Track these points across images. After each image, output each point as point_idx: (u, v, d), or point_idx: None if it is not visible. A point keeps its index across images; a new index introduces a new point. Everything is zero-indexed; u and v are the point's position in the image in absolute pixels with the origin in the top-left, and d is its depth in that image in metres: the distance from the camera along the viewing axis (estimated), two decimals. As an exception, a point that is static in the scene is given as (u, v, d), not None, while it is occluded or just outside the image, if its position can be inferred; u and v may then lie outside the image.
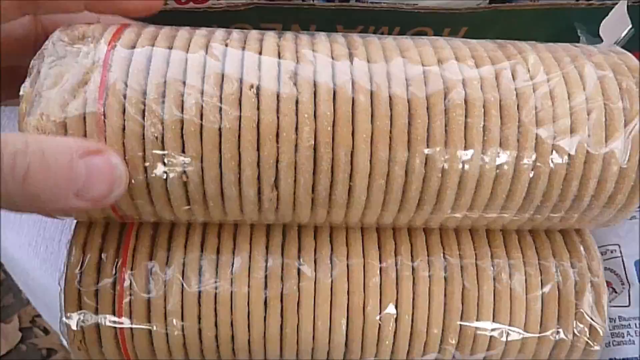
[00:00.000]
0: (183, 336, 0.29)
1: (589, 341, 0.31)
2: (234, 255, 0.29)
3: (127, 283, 0.29)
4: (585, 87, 0.27)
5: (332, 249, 0.30)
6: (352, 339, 0.30)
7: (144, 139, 0.24)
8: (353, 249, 0.30)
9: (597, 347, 0.31)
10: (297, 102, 0.25)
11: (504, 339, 0.30)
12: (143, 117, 0.24)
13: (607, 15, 0.36)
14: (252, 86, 0.25)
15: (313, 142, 0.25)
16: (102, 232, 0.30)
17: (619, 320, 0.34)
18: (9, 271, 0.49)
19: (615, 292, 0.35)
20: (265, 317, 0.29)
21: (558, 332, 0.30)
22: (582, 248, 0.32)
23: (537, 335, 0.30)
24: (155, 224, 0.30)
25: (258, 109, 0.25)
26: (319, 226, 0.31)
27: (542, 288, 0.31)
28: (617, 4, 0.35)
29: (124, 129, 0.24)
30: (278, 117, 0.25)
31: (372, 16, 0.36)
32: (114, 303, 0.29)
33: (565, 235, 0.33)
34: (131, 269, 0.29)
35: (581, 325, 0.31)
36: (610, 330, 0.34)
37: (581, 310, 0.31)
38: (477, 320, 0.30)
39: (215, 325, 0.29)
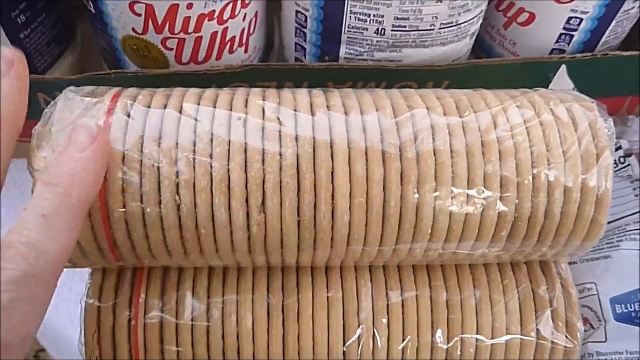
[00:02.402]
0: (192, 351, 0.30)
1: (568, 338, 0.31)
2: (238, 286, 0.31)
3: (141, 306, 0.30)
4: (559, 127, 0.28)
5: (327, 284, 0.31)
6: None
7: (141, 165, 0.25)
8: (346, 281, 0.31)
9: (576, 346, 0.31)
10: (279, 130, 0.27)
11: (488, 342, 0.31)
12: (141, 149, 0.26)
13: (577, 67, 0.38)
14: (239, 118, 0.27)
15: (296, 163, 0.26)
16: (115, 280, 0.31)
17: (597, 355, 0.34)
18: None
19: (593, 328, 0.35)
20: (268, 329, 0.30)
21: (538, 331, 0.31)
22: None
23: (519, 336, 0.31)
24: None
25: (245, 135, 0.26)
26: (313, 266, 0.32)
27: (517, 290, 0.32)
28: (586, 57, 0.38)
29: (123, 159, 0.25)
30: (263, 142, 0.26)
31: (360, 73, 0.38)
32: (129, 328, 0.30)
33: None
34: (146, 290, 0.30)
35: (558, 323, 0.31)
36: (588, 364, 0.35)
37: (555, 306, 0.31)
38: (462, 325, 0.31)
39: (222, 338, 0.30)
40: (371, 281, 0.32)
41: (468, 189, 0.27)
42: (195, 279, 0.31)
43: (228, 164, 0.25)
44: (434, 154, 0.27)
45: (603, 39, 0.40)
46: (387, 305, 0.31)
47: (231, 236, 0.26)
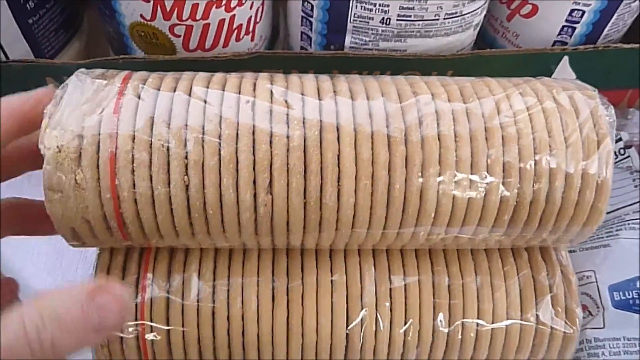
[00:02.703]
0: (198, 332, 0.30)
1: (567, 324, 0.32)
2: (243, 269, 0.31)
3: (147, 286, 0.30)
4: (561, 114, 0.28)
5: (331, 268, 0.32)
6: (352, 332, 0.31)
7: (151, 146, 0.26)
8: (350, 265, 0.32)
9: (575, 332, 0.32)
10: (287, 113, 0.27)
11: (489, 327, 0.31)
12: (152, 129, 0.26)
13: (579, 59, 0.39)
14: (247, 101, 0.27)
15: (303, 145, 0.26)
16: (123, 260, 0.31)
17: (595, 342, 0.35)
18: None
19: (591, 315, 0.35)
20: (272, 311, 0.30)
21: (537, 316, 0.31)
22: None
23: (519, 321, 0.31)
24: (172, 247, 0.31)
25: (253, 118, 0.27)
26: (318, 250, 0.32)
27: (518, 276, 0.32)
28: (588, 49, 0.38)
29: (133, 139, 0.26)
30: (271, 125, 0.26)
31: (365, 62, 0.38)
32: (135, 308, 0.30)
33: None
34: (152, 271, 0.31)
35: (558, 309, 0.32)
36: (586, 350, 0.35)
37: (555, 293, 0.32)
38: (463, 309, 0.31)
39: (228, 319, 0.30)
40: (374, 266, 0.32)
41: (471, 173, 0.27)
42: (201, 261, 0.31)
43: (236, 146, 0.26)
44: (439, 139, 0.27)
45: (605, 32, 0.40)
46: (390, 290, 0.31)
47: (238, 217, 0.27)
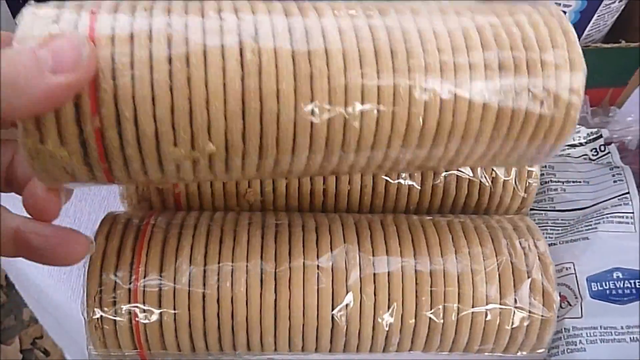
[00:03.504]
0: (189, 316, 0.31)
1: (545, 307, 0.33)
2: (233, 254, 0.33)
3: (141, 270, 0.32)
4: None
5: (317, 253, 0.33)
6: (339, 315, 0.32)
7: (132, 39, 0.24)
8: (336, 250, 0.33)
9: (553, 316, 0.33)
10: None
11: (469, 310, 0.33)
12: (131, 35, 0.23)
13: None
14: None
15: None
16: (118, 245, 0.33)
17: (572, 330, 0.36)
18: (21, 291, 0.51)
19: (570, 305, 0.37)
20: (261, 294, 0.32)
21: (516, 300, 0.33)
22: (527, 231, 0.35)
23: (498, 305, 0.33)
24: (165, 233, 0.33)
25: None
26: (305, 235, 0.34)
27: (497, 261, 0.33)
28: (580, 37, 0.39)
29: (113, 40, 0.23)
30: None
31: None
32: (129, 291, 0.31)
33: (513, 223, 0.36)
34: (146, 256, 0.32)
35: (536, 293, 0.33)
36: (565, 339, 0.36)
37: (533, 277, 0.33)
38: (444, 294, 0.32)
39: (218, 302, 0.32)
40: (359, 251, 0.33)
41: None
42: (193, 247, 0.33)
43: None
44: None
45: (586, 32, 0.41)
46: (374, 274, 0.33)
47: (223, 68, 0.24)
